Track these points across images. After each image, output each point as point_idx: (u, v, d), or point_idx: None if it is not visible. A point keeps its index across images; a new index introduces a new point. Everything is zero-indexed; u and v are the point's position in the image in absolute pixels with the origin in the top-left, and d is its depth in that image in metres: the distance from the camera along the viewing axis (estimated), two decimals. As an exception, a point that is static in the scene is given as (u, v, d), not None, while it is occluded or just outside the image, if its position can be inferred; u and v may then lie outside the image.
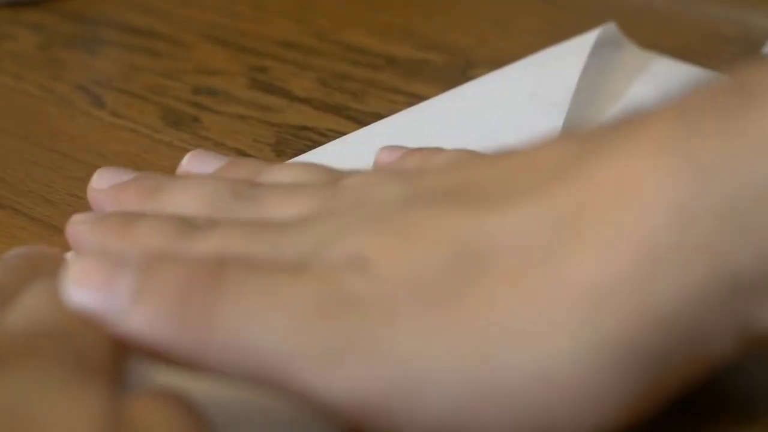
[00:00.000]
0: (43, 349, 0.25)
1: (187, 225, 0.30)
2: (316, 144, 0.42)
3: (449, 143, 0.40)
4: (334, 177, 0.32)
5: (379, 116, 0.44)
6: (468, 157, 0.33)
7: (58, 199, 0.40)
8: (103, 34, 0.54)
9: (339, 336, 0.25)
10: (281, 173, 0.34)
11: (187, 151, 0.40)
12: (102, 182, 0.35)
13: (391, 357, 0.25)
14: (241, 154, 0.42)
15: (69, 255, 0.35)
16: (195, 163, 0.36)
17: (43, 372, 0.24)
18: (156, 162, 0.42)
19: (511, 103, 0.42)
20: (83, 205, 0.39)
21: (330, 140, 0.43)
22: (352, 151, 0.41)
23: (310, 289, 0.26)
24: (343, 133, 0.43)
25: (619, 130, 0.27)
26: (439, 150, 0.35)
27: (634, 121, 0.27)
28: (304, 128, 0.44)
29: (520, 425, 0.25)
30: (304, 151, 0.42)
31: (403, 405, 0.25)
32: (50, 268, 0.32)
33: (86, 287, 0.26)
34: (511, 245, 0.26)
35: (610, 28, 0.44)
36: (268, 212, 0.31)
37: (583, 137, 0.28)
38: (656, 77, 0.43)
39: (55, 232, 0.38)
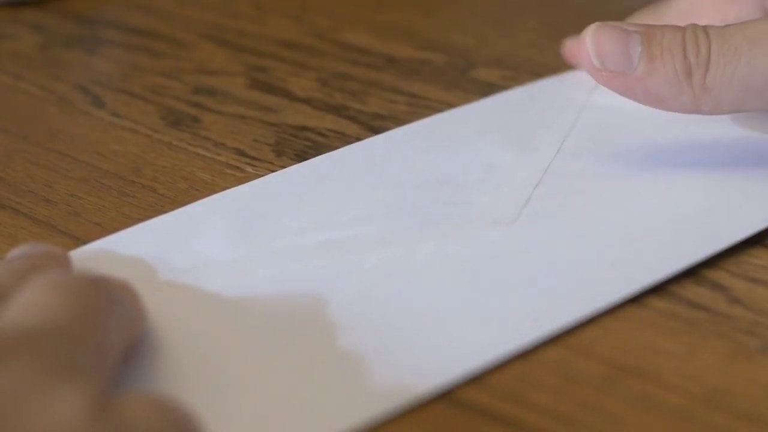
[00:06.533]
0: (38, 344, 0.25)
1: None
2: (316, 144, 0.42)
3: (468, 153, 0.40)
4: None
5: (379, 116, 0.44)
6: None
7: (58, 199, 0.40)
8: (103, 34, 0.54)
9: None
10: None
11: (187, 151, 0.40)
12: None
13: None
14: (241, 154, 0.42)
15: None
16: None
17: (36, 367, 0.24)
18: (156, 162, 0.42)
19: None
20: (83, 205, 0.39)
21: (330, 140, 0.43)
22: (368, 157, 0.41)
23: None
24: (343, 134, 0.43)
25: None
26: None
27: None
28: (304, 128, 0.44)
29: None
30: (304, 151, 0.42)
31: None
32: (51, 267, 0.32)
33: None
34: None
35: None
36: None
37: None
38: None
39: (55, 232, 0.38)
